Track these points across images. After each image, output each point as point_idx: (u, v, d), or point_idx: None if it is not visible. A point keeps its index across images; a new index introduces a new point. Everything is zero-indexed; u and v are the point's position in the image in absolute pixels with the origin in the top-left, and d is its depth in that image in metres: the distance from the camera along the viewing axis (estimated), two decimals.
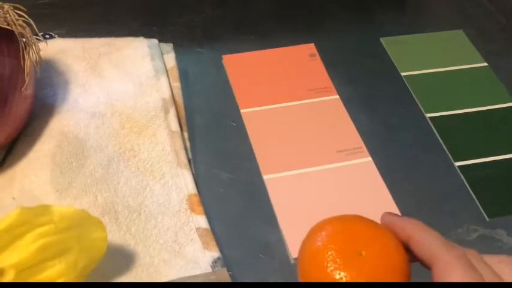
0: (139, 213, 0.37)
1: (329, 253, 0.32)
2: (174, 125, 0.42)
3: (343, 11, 0.59)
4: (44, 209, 0.30)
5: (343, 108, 0.49)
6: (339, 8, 0.59)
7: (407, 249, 0.33)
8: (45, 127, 0.40)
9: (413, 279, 0.32)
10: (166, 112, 0.43)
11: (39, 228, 0.29)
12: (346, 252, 0.32)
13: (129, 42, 0.47)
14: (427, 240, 0.31)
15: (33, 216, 0.29)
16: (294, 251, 0.38)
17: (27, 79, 0.37)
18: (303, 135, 0.46)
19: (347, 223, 0.35)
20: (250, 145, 0.45)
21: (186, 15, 0.56)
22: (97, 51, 0.45)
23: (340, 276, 0.32)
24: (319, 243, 0.33)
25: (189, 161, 0.42)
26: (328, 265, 0.32)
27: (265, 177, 0.43)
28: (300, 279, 0.34)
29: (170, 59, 0.46)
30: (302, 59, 0.53)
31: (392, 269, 0.32)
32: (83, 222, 0.31)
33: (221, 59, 0.52)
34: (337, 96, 0.50)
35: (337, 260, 0.32)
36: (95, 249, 0.31)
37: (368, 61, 0.53)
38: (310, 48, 0.54)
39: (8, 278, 0.27)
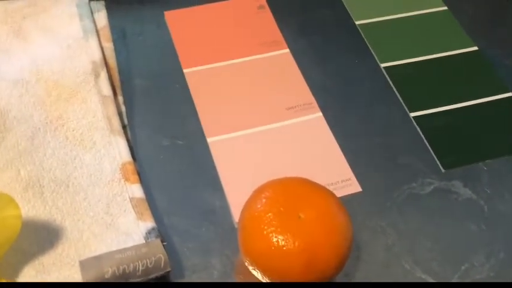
0: (68, 186, 0.34)
1: (267, 215, 0.31)
2: (106, 90, 0.39)
3: None
4: None
5: (294, 62, 0.46)
6: None
7: None
8: None
9: None
10: (97, 76, 0.40)
11: None
12: (285, 215, 0.31)
13: (56, 2, 0.43)
14: None
15: None
16: (237, 216, 0.36)
17: None
18: (251, 93, 0.44)
19: (288, 186, 0.33)
20: (194, 107, 0.43)
21: None
22: (21, 13, 0.42)
23: (277, 239, 0.30)
24: (259, 206, 0.32)
25: (124, 127, 0.39)
26: (265, 227, 0.31)
27: (209, 140, 0.41)
28: (240, 244, 0.33)
29: (101, 17, 0.43)
30: (250, 11, 0.50)
31: (331, 232, 0.31)
32: None
33: (163, 15, 0.49)
34: (288, 50, 0.47)
35: (274, 222, 0.31)
36: (7, 228, 0.29)
37: (320, 10, 0.50)
38: None
39: None
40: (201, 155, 0.40)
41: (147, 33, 0.47)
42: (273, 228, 0.30)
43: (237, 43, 0.47)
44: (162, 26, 0.48)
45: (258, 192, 0.33)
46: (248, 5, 0.50)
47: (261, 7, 0.50)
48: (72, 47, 0.40)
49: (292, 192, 0.32)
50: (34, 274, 0.30)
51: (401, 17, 0.50)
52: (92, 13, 0.43)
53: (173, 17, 0.49)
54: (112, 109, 0.39)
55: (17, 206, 0.29)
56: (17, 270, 0.30)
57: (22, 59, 0.40)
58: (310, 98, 0.44)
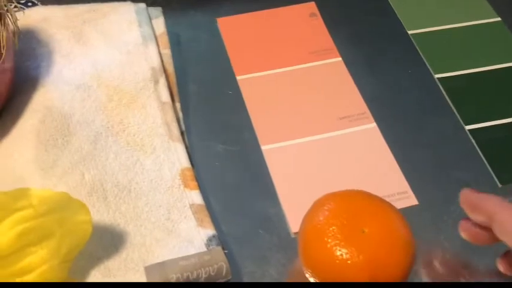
0: (130, 191, 0.35)
1: (331, 228, 0.31)
2: (165, 96, 0.40)
3: None
4: (22, 192, 0.28)
5: (346, 71, 0.46)
6: None
7: (488, 228, 0.30)
8: (29, 102, 0.38)
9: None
10: (156, 82, 0.40)
11: (17, 212, 0.27)
12: (349, 229, 0.31)
13: (115, 8, 0.44)
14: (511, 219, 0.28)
15: (10, 200, 0.27)
16: (294, 225, 0.37)
17: (3, 52, 0.35)
18: (304, 102, 0.44)
19: (350, 199, 0.33)
20: (247, 114, 0.43)
21: None
22: (81, 19, 0.43)
23: (341, 252, 0.30)
24: (321, 219, 0.32)
25: (181, 133, 0.39)
26: (329, 240, 0.31)
27: (263, 147, 0.41)
28: (301, 255, 0.33)
29: (159, 24, 0.43)
30: (302, 19, 0.50)
31: (395, 248, 0.31)
32: (65, 205, 0.29)
33: (216, 21, 0.49)
34: (340, 59, 0.47)
35: (339, 236, 0.31)
36: (79, 233, 0.29)
37: (372, 19, 0.50)
38: (311, 7, 0.51)
39: None
40: (256, 163, 0.40)
41: (200, 39, 0.48)
42: (337, 242, 0.30)
43: (289, 51, 0.47)
44: (215, 32, 0.48)
45: (320, 204, 0.33)
46: (300, 13, 0.50)
47: (312, 15, 0.50)
48: (132, 53, 0.41)
49: (354, 206, 0.32)
50: (101, 278, 0.31)
51: (454, 27, 0.49)
52: (150, 19, 0.43)
53: (226, 24, 0.49)
54: (171, 115, 0.39)
55: (88, 212, 0.29)
56: (85, 273, 0.31)
57: (83, 64, 0.40)
58: (363, 107, 0.43)
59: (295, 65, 0.46)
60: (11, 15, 0.35)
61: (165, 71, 0.41)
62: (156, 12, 0.44)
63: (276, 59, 0.46)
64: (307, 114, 0.43)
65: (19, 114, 0.38)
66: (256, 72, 0.46)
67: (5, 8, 0.35)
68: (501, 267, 0.33)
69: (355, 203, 0.32)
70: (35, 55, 0.40)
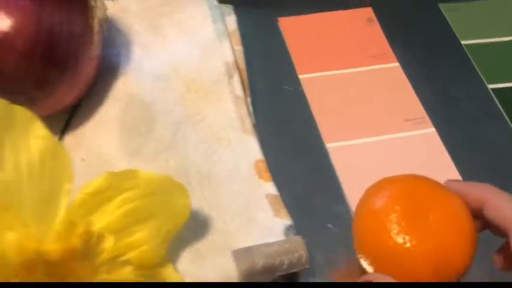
0: (210, 179, 0.37)
1: (393, 215, 0.29)
2: (239, 90, 0.42)
3: None
4: (130, 174, 0.29)
5: (404, 76, 0.48)
6: None
7: (476, 216, 0.30)
8: (110, 89, 0.40)
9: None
10: (230, 77, 0.42)
11: (125, 193, 0.29)
12: (412, 215, 0.29)
13: (188, 3, 0.45)
14: (505, 204, 0.29)
15: (120, 180, 0.29)
16: None
17: (96, 38, 0.36)
18: (365, 103, 0.45)
19: (410, 183, 0.31)
20: (310, 112, 0.45)
21: None
22: (157, 11, 0.44)
23: (405, 240, 0.28)
24: (381, 204, 0.30)
25: (253, 126, 0.41)
26: (393, 227, 0.29)
27: (328, 145, 0.43)
28: (356, 244, 0.31)
29: (231, 21, 0.45)
30: (360, 23, 0.52)
31: (462, 237, 0.29)
32: (168, 187, 0.30)
33: (277, 21, 0.51)
34: (397, 64, 0.49)
35: (402, 223, 0.29)
36: (178, 215, 0.31)
37: (427, 27, 0.52)
38: (368, 12, 0.53)
39: (108, 243, 0.27)
40: (321, 159, 0.42)
41: (262, 38, 0.49)
42: (400, 228, 0.29)
43: (348, 53, 0.49)
44: (276, 31, 0.50)
45: (377, 188, 0.32)
46: (358, 17, 0.52)
47: (369, 20, 0.52)
48: (207, 48, 0.43)
49: (415, 191, 0.31)
50: (190, 259, 0.32)
51: (507, 40, 0.51)
52: (222, 16, 0.45)
53: (287, 23, 0.51)
54: (244, 109, 0.41)
55: (188, 195, 0.31)
56: (175, 254, 0.32)
57: (160, 55, 0.42)
58: (422, 112, 0.45)
59: (354, 68, 0.48)
60: (102, 3, 0.37)
61: (237, 66, 0.43)
62: (228, 9, 0.46)
63: (336, 60, 0.48)
64: (370, 114, 0.45)
65: (101, 100, 0.39)
66: (318, 72, 0.47)
67: None
68: (497, 263, 0.31)
69: (415, 187, 0.31)
70: (115, 44, 0.42)
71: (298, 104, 0.45)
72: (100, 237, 0.27)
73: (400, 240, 0.29)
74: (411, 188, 0.31)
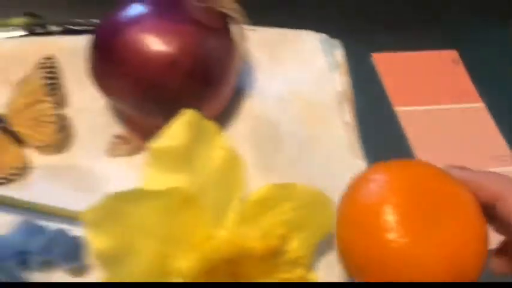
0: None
1: (388, 216, 0.23)
2: (348, 117, 0.46)
3: (485, 17, 0.61)
4: (288, 186, 0.33)
5: (489, 117, 0.52)
6: (479, 14, 0.61)
7: (487, 212, 0.26)
8: (237, 110, 0.44)
9: None
10: (341, 104, 0.46)
11: (284, 203, 0.33)
12: (413, 213, 0.23)
13: (301, 35, 0.50)
14: None
15: (280, 191, 0.33)
16: None
17: (238, 62, 0.41)
18: (457, 140, 0.50)
19: (410, 170, 0.25)
20: (408, 145, 0.49)
21: None
22: (275, 41, 0.48)
23: (403, 241, 0.22)
24: (373, 197, 0.24)
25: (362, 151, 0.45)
26: (389, 232, 0.22)
27: None
28: (339, 252, 0.26)
29: (339, 55, 0.49)
30: (445, 64, 0.56)
31: (474, 242, 0.24)
32: (317, 200, 0.34)
33: (369, 55, 0.55)
34: (483, 104, 0.53)
35: (400, 227, 0.22)
36: (324, 228, 0.34)
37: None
38: (453, 54, 0.57)
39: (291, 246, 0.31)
40: None
41: (355, 70, 0.53)
42: (399, 234, 0.23)
43: (435, 90, 0.53)
44: (369, 65, 0.54)
45: (367, 178, 0.26)
46: (443, 58, 0.57)
47: (454, 61, 0.56)
48: (320, 77, 0.47)
49: (418, 181, 0.25)
50: (323, 268, 0.36)
51: None
52: (332, 49, 0.49)
53: (379, 59, 0.55)
54: (354, 135, 0.45)
55: (333, 208, 0.33)
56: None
57: (279, 81, 0.46)
58: (506, 150, 0.49)
59: (446, 104, 0.52)
60: (244, 33, 0.41)
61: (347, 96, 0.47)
62: (335, 43, 0.50)
63: (426, 96, 0.53)
64: (462, 150, 0.49)
65: (229, 121, 0.43)
66: (413, 106, 0.52)
67: (242, 23, 0.40)
68: (497, 265, 0.29)
69: (417, 176, 0.25)
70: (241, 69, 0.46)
71: (396, 136, 0.49)
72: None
73: (403, 243, 0.23)
74: (411, 176, 0.25)
